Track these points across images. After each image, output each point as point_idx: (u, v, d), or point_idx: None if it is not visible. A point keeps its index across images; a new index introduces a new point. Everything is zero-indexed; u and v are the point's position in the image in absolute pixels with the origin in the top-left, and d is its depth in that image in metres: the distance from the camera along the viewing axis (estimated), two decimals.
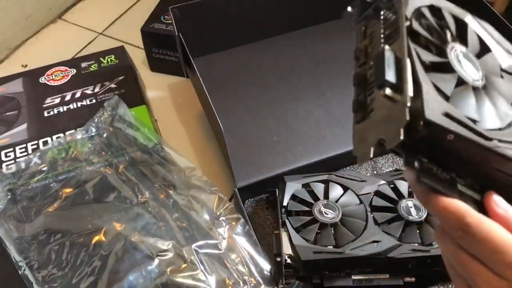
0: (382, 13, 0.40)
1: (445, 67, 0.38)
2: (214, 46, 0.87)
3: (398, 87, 0.33)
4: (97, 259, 0.58)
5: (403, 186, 0.66)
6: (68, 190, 0.66)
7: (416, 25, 0.38)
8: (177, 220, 0.63)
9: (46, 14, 1.11)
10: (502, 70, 0.41)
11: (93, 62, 0.87)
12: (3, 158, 0.72)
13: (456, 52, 0.39)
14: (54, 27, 1.11)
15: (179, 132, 0.87)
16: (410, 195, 0.65)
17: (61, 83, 0.83)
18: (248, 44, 0.88)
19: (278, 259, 0.59)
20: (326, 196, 0.65)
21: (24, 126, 0.77)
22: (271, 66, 0.85)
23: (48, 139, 0.75)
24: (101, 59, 0.87)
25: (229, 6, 0.83)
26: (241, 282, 0.58)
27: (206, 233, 0.62)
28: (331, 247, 0.59)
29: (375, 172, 0.74)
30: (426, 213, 0.62)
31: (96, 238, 0.60)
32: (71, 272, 0.57)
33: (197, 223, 0.63)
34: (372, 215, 0.63)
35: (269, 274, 0.60)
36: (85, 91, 0.82)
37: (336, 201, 0.64)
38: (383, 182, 0.67)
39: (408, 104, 0.32)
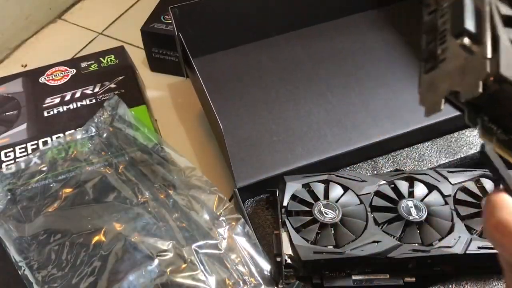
0: None
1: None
2: (214, 46, 0.87)
3: (478, 37, 0.32)
4: (97, 259, 0.58)
5: (403, 186, 0.65)
6: (68, 190, 0.66)
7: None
8: (177, 220, 0.63)
9: (46, 14, 1.11)
10: None
11: (93, 62, 0.87)
12: (3, 158, 0.72)
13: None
14: (54, 27, 1.11)
15: (179, 132, 0.87)
16: (410, 195, 0.64)
17: (61, 83, 0.83)
18: (248, 44, 0.88)
19: (278, 259, 0.59)
20: (326, 196, 0.65)
21: (24, 126, 0.77)
22: (271, 66, 0.85)
23: (48, 139, 0.74)
24: (101, 59, 0.87)
25: (229, 6, 0.83)
26: (241, 282, 0.58)
27: (206, 233, 0.62)
28: (331, 247, 0.59)
29: (375, 172, 0.74)
30: (426, 213, 0.61)
31: (96, 238, 0.60)
32: (71, 272, 0.57)
33: (197, 223, 0.63)
34: (372, 215, 0.62)
35: (269, 274, 0.60)
36: (85, 91, 0.82)
37: (336, 201, 0.64)
38: (383, 182, 0.66)
39: (489, 56, 0.31)
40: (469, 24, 0.32)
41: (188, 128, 0.87)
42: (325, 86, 0.82)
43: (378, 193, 0.65)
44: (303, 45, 0.88)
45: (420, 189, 0.65)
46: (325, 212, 0.62)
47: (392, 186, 0.66)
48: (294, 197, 0.65)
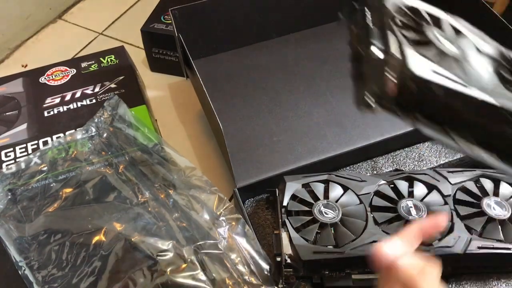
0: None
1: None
2: (214, 48, 0.87)
3: (385, 49, 0.41)
4: (97, 259, 0.58)
5: (403, 186, 0.65)
6: (68, 190, 0.66)
7: (290, 205, 0.62)
8: (177, 220, 0.63)
9: (46, 14, 1.11)
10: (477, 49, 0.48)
11: (93, 62, 0.87)
12: (3, 158, 0.72)
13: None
14: (54, 27, 1.11)
15: (179, 132, 0.87)
16: (410, 195, 0.65)
17: (61, 83, 0.83)
18: (247, 45, 0.88)
19: (278, 259, 0.59)
20: (326, 196, 0.65)
21: (24, 126, 0.77)
22: (271, 67, 0.85)
23: (48, 139, 0.75)
24: (101, 59, 0.87)
25: (229, 8, 0.83)
26: (241, 282, 0.58)
27: (206, 233, 0.62)
28: (331, 247, 0.59)
29: (375, 172, 0.74)
30: (426, 213, 0.61)
31: (96, 238, 0.60)
32: (71, 272, 0.58)
33: (197, 223, 0.63)
34: (372, 215, 0.63)
35: (269, 274, 0.60)
36: (85, 91, 0.82)
37: (336, 201, 0.64)
38: (383, 182, 0.66)
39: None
40: (377, 41, 0.42)
41: (188, 128, 0.87)
42: (325, 86, 0.82)
43: (378, 193, 0.65)
44: (303, 46, 0.88)
45: (419, 189, 0.65)
46: (325, 212, 0.62)
47: (392, 186, 0.66)
48: (294, 197, 0.65)
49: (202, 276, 0.57)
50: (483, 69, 0.46)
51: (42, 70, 0.85)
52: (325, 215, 0.62)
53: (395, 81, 0.38)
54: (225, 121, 0.76)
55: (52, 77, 0.84)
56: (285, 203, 0.64)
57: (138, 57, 0.98)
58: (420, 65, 0.41)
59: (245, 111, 0.79)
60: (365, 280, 0.59)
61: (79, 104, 0.80)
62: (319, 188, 0.66)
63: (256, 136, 0.76)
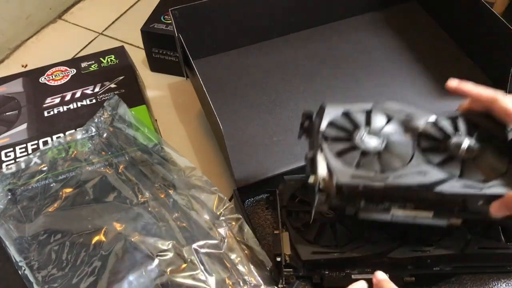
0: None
1: (352, 149, 0.55)
2: (214, 48, 0.87)
3: (315, 173, 0.53)
4: (97, 259, 0.58)
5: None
6: (68, 190, 0.66)
7: (328, 132, 0.57)
8: (177, 220, 0.63)
9: (46, 14, 1.11)
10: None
11: (93, 62, 0.87)
12: (3, 158, 0.72)
13: (361, 134, 0.56)
14: (54, 27, 1.11)
15: (179, 132, 0.87)
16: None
17: (61, 83, 0.83)
18: (247, 45, 0.88)
19: (278, 259, 0.59)
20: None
21: (24, 126, 0.77)
22: (270, 68, 0.85)
23: (48, 139, 0.75)
24: (101, 59, 0.87)
25: (229, 8, 0.83)
26: (241, 282, 0.58)
27: (206, 233, 0.62)
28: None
29: None
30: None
31: (96, 238, 0.60)
32: (71, 272, 0.57)
33: (197, 223, 0.63)
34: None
35: (269, 274, 0.60)
36: (85, 91, 0.82)
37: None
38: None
39: (318, 182, 0.52)
40: (309, 170, 0.56)
41: (188, 128, 0.87)
42: (325, 87, 0.82)
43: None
44: (303, 46, 0.88)
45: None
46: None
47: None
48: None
49: (202, 276, 0.57)
50: (404, 148, 0.55)
51: (42, 70, 0.85)
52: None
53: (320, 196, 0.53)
54: (225, 121, 0.76)
55: (52, 77, 0.84)
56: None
57: (138, 57, 0.98)
58: (343, 175, 0.52)
59: (245, 111, 0.79)
60: (365, 280, 0.59)
61: (79, 104, 0.80)
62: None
63: (256, 136, 0.76)
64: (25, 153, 0.73)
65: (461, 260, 0.59)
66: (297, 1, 0.87)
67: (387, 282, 0.52)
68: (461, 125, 0.57)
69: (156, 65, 0.97)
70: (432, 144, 0.56)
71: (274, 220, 0.69)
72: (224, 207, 0.65)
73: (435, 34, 0.90)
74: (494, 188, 0.51)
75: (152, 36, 0.91)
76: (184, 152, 0.73)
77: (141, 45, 0.96)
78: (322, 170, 0.53)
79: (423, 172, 0.52)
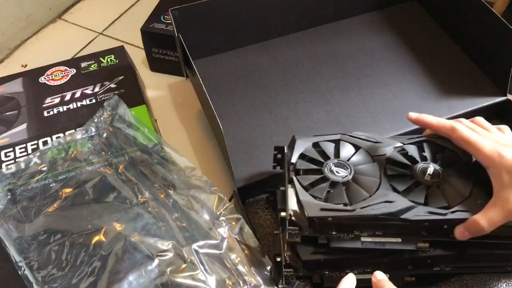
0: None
1: (321, 180, 0.58)
2: (214, 48, 0.87)
3: (286, 208, 0.55)
4: (97, 259, 0.58)
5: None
6: (68, 190, 0.66)
7: (298, 164, 0.60)
8: (177, 220, 0.63)
9: (46, 14, 1.11)
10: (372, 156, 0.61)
11: (93, 62, 0.87)
12: (3, 158, 0.72)
13: (329, 165, 0.60)
14: (54, 27, 1.11)
15: (179, 132, 0.87)
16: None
17: (60, 83, 0.83)
18: (248, 46, 0.88)
19: (278, 259, 0.58)
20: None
21: (24, 126, 0.77)
22: (270, 68, 0.85)
23: (48, 139, 0.75)
24: (101, 59, 0.87)
25: (229, 8, 0.83)
26: (241, 282, 0.58)
27: (206, 233, 0.62)
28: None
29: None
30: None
31: (96, 238, 0.60)
32: (71, 272, 0.57)
33: (197, 223, 0.63)
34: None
35: (269, 274, 0.60)
36: (85, 91, 0.82)
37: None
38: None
39: (288, 217, 0.55)
40: (281, 205, 0.60)
41: (188, 128, 0.87)
42: (325, 87, 0.82)
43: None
44: (303, 46, 0.88)
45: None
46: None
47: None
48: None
49: (202, 277, 0.57)
50: (370, 178, 0.59)
51: (42, 70, 0.85)
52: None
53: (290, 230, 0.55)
54: (225, 121, 0.76)
55: (51, 77, 0.84)
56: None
57: (138, 57, 0.98)
58: (312, 208, 0.55)
59: (245, 111, 0.79)
60: (364, 280, 0.59)
61: (78, 104, 0.80)
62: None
63: (256, 136, 0.76)
64: (25, 153, 0.73)
65: (461, 260, 0.59)
66: (297, 1, 0.87)
67: (386, 282, 0.53)
68: (427, 149, 0.61)
69: (156, 65, 0.97)
70: (397, 171, 0.59)
71: (274, 220, 0.69)
72: (224, 207, 0.65)
73: (435, 34, 0.90)
74: (457, 213, 0.54)
75: (152, 36, 0.91)
76: (184, 152, 0.73)
77: (141, 45, 0.96)
78: (292, 204, 0.56)
79: (388, 202, 0.55)
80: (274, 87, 0.82)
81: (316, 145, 0.63)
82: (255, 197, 0.72)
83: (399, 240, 0.56)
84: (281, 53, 0.87)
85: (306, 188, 0.58)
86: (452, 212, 0.54)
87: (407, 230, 0.56)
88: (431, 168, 0.59)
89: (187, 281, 0.56)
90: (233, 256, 0.60)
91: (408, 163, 0.60)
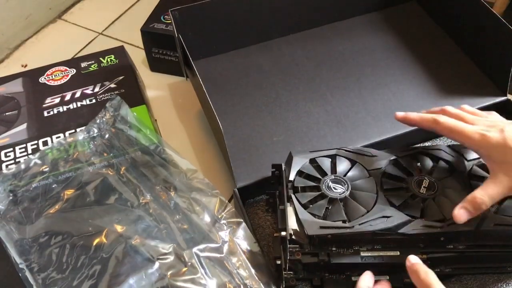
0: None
1: (319, 197, 0.60)
2: (214, 49, 0.87)
3: (286, 227, 0.56)
4: (97, 262, 0.58)
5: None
6: (69, 191, 0.66)
7: (297, 181, 0.61)
8: (178, 222, 0.63)
9: (46, 14, 1.11)
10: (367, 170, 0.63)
11: (93, 62, 0.87)
12: (3, 158, 0.72)
13: (327, 182, 0.61)
14: (54, 27, 1.11)
15: (179, 132, 0.87)
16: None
17: (61, 83, 0.83)
18: (247, 46, 0.88)
19: (278, 262, 0.58)
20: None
21: (24, 126, 0.77)
22: (270, 68, 0.85)
23: (48, 139, 0.75)
24: (101, 59, 0.87)
25: (229, 8, 0.83)
26: (242, 286, 0.58)
27: (207, 236, 0.62)
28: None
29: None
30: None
31: (96, 241, 0.60)
32: (72, 275, 0.57)
33: (198, 226, 0.63)
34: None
35: (269, 277, 0.60)
36: (85, 91, 0.82)
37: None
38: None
39: (288, 237, 0.56)
40: (282, 225, 0.58)
41: (188, 128, 0.87)
42: (325, 87, 0.82)
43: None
44: (303, 47, 0.88)
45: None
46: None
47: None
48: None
49: (203, 280, 0.57)
50: (367, 193, 0.60)
51: (42, 70, 0.85)
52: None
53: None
54: (225, 121, 0.76)
55: (52, 77, 0.84)
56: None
57: (138, 57, 0.98)
58: (312, 227, 0.56)
59: (245, 111, 0.79)
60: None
61: (79, 104, 0.80)
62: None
63: (256, 136, 0.76)
64: (25, 153, 0.73)
65: (460, 261, 0.59)
66: (297, 1, 0.87)
67: (420, 265, 0.53)
68: (421, 161, 0.63)
69: (156, 65, 0.97)
70: (393, 185, 0.61)
71: (274, 221, 0.69)
72: (225, 210, 0.65)
73: (435, 34, 0.90)
74: (453, 226, 0.55)
75: (152, 36, 0.91)
76: (184, 152, 0.73)
77: (141, 45, 0.95)
78: (292, 223, 0.57)
79: (386, 217, 0.57)
80: (274, 87, 0.82)
81: (313, 161, 0.64)
82: (255, 197, 0.72)
83: (398, 253, 0.57)
84: (281, 53, 0.87)
85: (305, 206, 0.59)
86: (448, 224, 0.56)
87: (405, 243, 0.57)
88: (426, 181, 0.61)
89: (188, 285, 0.56)
90: (234, 259, 0.60)
91: (404, 176, 0.62)
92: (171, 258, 0.58)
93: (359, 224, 0.56)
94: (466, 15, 0.84)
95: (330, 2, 0.90)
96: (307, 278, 0.59)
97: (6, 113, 0.79)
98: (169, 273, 0.57)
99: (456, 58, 0.85)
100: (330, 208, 0.59)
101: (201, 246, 0.60)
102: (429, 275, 0.51)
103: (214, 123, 0.70)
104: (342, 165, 0.63)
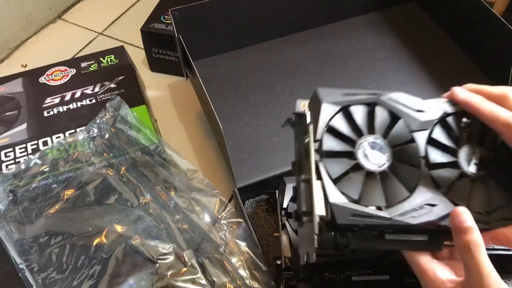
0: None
1: (354, 169, 0.45)
2: (214, 49, 0.87)
3: (310, 214, 0.43)
4: (97, 262, 0.58)
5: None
6: (69, 191, 0.66)
7: (326, 144, 0.46)
8: (178, 222, 0.63)
9: (46, 14, 1.11)
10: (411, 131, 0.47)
11: (92, 62, 0.87)
12: (3, 158, 0.72)
13: (363, 147, 0.46)
14: (54, 27, 1.11)
15: (179, 132, 0.87)
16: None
17: (60, 83, 0.83)
18: (247, 46, 0.88)
19: (278, 262, 0.58)
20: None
21: (24, 126, 0.77)
22: (270, 68, 0.85)
23: (48, 139, 0.75)
24: (101, 59, 0.87)
25: (229, 8, 0.83)
26: (242, 286, 0.58)
27: (207, 236, 0.62)
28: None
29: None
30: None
31: (96, 241, 0.60)
32: (71, 275, 0.57)
33: (198, 226, 0.63)
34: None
35: (269, 277, 0.60)
36: (85, 91, 0.82)
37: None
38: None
39: (316, 231, 0.42)
40: (303, 207, 0.44)
41: (188, 128, 0.87)
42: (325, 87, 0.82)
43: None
44: (303, 47, 0.88)
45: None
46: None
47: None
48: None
49: (203, 280, 0.57)
50: (412, 159, 0.47)
51: (42, 70, 0.85)
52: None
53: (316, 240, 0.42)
54: (225, 121, 0.76)
55: (51, 77, 0.84)
56: (285, 205, 0.61)
57: (138, 57, 0.98)
58: (343, 213, 0.43)
59: (245, 111, 0.79)
60: (366, 282, 0.58)
61: (78, 104, 0.80)
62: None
63: (256, 136, 0.76)
64: (25, 153, 0.73)
65: None
66: (297, 1, 0.87)
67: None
68: (473, 123, 0.48)
69: (156, 65, 0.97)
70: (441, 158, 0.47)
71: (274, 221, 0.69)
72: (225, 211, 0.65)
73: (435, 34, 0.90)
74: (498, 221, 0.46)
75: (152, 36, 0.91)
76: (183, 152, 0.73)
77: (141, 45, 0.95)
78: (320, 208, 0.44)
79: (430, 205, 0.45)
80: (274, 87, 0.82)
81: (344, 112, 0.48)
82: (255, 197, 0.72)
83: (425, 238, 0.46)
84: (281, 53, 0.87)
85: (335, 181, 0.45)
86: (496, 220, 0.46)
87: (438, 231, 0.46)
88: (477, 153, 0.47)
89: (188, 285, 0.56)
90: (234, 260, 0.60)
91: (453, 146, 0.48)
92: (171, 258, 0.58)
93: (400, 215, 0.44)
94: (466, 15, 0.84)
95: (330, 2, 0.90)
96: (307, 278, 0.59)
97: (6, 113, 0.79)
98: (169, 273, 0.57)
99: (456, 58, 0.85)
100: (365, 185, 0.45)
101: (201, 246, 0.60)
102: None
103: (214, 123, 0.70)
104: (381, 120, 0.48)
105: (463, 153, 0.47)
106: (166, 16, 0.92)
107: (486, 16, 0.77)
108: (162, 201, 0.65)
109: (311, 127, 0.46)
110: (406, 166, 0.46)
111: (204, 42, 0.85)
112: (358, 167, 0.46)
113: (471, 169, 0.47)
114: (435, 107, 0.49)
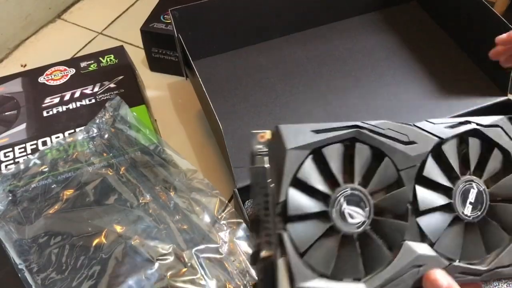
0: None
1: (328, 234, 0.37)
2: (214, 48, 0.87)
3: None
4: (97, 263, 0.58)
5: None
6: (68, 192, 0.66)
7: (293, 205, 0.37)
8: (177, 222, 0.63)
9: (45, 14, 1.10)
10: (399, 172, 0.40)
11: (92, 61, 0.87)
12: (2, 158, 0.72)
13: (339, 204, 0.37)
14: (54, 26, 1.11)
15: (178, 132, 0.86)
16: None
17: (60, 82, 0.83)
18: (248, 46, 0.88)
19: None
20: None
21: (23, 126, 0.77)
22: (271, 68, 0.85)
23: (47, 139, 0.74)
24: (101, 58, 0.87)
25: (229, 8, 0.83)
26: (241, 286, 0.58)
27: (207, 236, 0.62)
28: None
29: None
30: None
31: (96, 241, 0.60)
32: (71, 276, 0.57)
33: (198, 226, 0.63)
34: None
35: None
36: (84, 91, 0.82)
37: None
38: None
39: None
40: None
41: (188, 128, 0.87)
42: (325, 87, 0.82)
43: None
44: (303, 47, 0.88)
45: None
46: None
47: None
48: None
49: (202, 281, 0.57)
50: (399, 207, 0.40)
51: (41, 70, 0.85)
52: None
53: None
54: (225, 121, 0.75)
55: (51, 76, 0.84)
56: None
57: (137, 57, 0.98)
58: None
59: (245, 111, 0.79)
60: None
61: (78, 104, 0.80)
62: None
63: None
64: (24, 153, 0.72)
65: None
66: (297, 1, 0.87)
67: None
68: (471, 149, 0.43)
69: (155, 65, 0.96)
70: (431, 202, 0.41)
71: None
72: (225, 211, 0.65)
73: (435, 34, 0.90)
74: (492, 273, 0.41)
75: (151, 36, 0.91)
76: (183, 152, 0.73)
77: (141, 45, 0.95)
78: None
79: (415, 269, 0.39)
80: (274, 87, 0.82)
81: (317, 154, 0.39)
82: None
83: None
84: (281, 53, 0.87)
85: (302, 254, 0.37)
86: (489, 270, 0.41)
87: None
88: (474, 190, 0.41)
89: (187, 286, 0.56)
90: (234, 260, 0.60)
91: (449, 185, 0.41)
92: (170, 258, 0.58)
93: (382, 284, 0.37)
94: (466, 15, 0.84)
95: (330, 2, 0.90)
96: None
97: (5, 113, 0.79)
98: (168, 273, 0.57)
99: (456, 58, 0.85)
100: (340, 252, 0.38)
101: (201, 247, 0.60)
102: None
103: (214, 123, 0.70)
104: (362, 162, 0.40)
105: (458, 190, 0.41)
106: (166, 16, 0.92)
107: (486, 16, 0.77)
108: (162, 201, 0.65)
109: (272, 187, 0.38)
110: (390, 221, 0.39)
111: (204, 42, 0.85)
112: (332, 229, 0.38)
113: (467, 211, 0.41)
114: (432, 132, 0.42)
